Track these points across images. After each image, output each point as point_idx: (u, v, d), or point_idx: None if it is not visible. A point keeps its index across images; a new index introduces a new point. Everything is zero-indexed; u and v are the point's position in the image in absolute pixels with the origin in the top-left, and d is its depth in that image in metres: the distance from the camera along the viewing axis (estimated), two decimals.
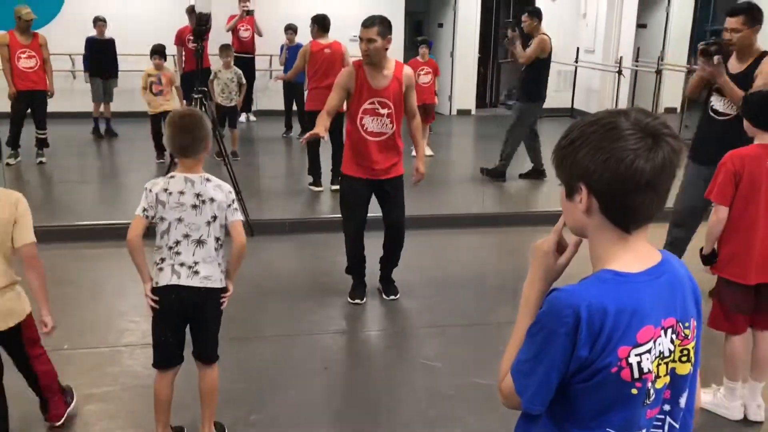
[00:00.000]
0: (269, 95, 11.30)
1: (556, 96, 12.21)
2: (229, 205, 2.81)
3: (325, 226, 6.00)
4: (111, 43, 9.64)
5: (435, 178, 7.36)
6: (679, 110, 11.13)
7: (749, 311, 3.21)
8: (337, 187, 6.86)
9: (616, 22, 11.56)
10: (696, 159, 4.31)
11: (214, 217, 2.77)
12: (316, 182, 7.10)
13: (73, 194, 7.15)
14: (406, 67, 4.36)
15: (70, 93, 10.35)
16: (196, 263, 2.77)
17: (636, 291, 1.31)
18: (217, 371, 2.98)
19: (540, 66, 7.13)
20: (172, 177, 2.79)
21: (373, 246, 4.66)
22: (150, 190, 2.77)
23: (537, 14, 7.20)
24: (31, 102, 7.77)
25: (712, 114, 4.23)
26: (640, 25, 12.37)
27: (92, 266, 5.36)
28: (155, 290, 2.81)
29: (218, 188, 2.80)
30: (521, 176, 7.70)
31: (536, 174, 7.63)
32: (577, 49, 12.09)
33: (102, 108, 9.76)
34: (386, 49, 4.22)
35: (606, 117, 1.30)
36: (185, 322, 2.88)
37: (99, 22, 9.56)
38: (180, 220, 2.75)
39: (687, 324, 1.38)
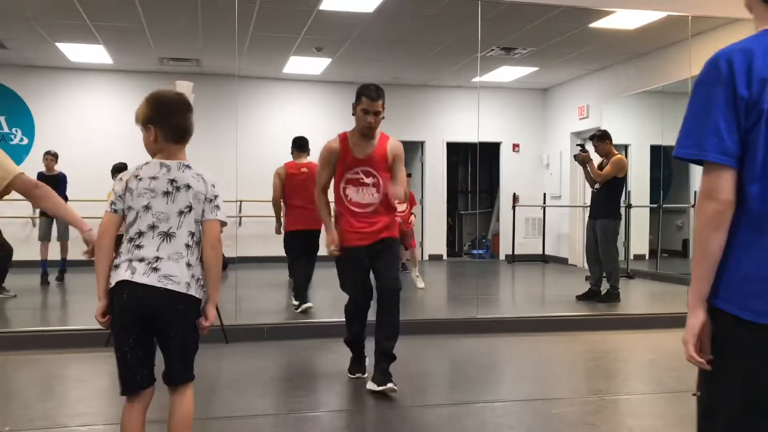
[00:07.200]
0: None
1: (524, 243, 12.31)
2: (210, 200, 2.34)
3: (312, 330, 5.45)
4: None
5: None
6: None
7: None
8: (310, 304, 6.34)
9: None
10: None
11: (189, 208, 2.31)
12: (302, 299, 6.34)
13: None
14: (392, 139, 4.04)
15: None
16: (157, 259, 2.25)
17: None
18: (192, 400, 2.36)
19: (618, 184, 7.13)
20: (146, 163, 2.37)
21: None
22: (121, 179, 2.37)
23: (607, 137, 7.24)
24: None
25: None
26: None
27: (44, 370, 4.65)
28: (110, 293, 2.29)
29: (199, 177, 2.35)
30: (578, 297, 7.14)
31: (592, 295, 7.14)
32: (544, 194, 12.33)
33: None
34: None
35: None
36: (147, 332, 2.29)
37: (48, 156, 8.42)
38: (147, 207, 2.29)
39: None
